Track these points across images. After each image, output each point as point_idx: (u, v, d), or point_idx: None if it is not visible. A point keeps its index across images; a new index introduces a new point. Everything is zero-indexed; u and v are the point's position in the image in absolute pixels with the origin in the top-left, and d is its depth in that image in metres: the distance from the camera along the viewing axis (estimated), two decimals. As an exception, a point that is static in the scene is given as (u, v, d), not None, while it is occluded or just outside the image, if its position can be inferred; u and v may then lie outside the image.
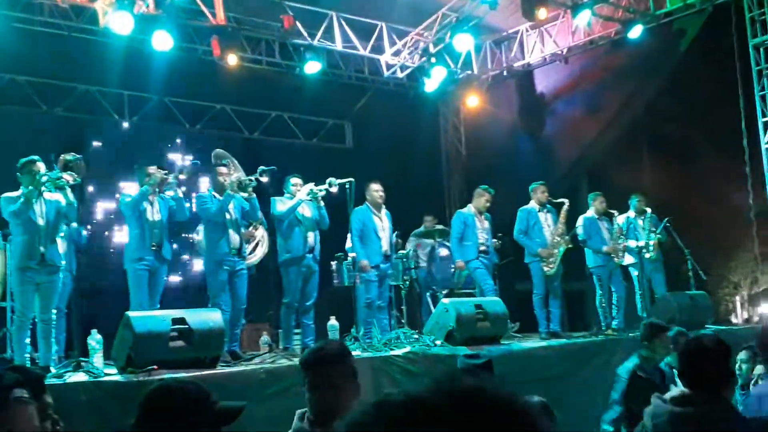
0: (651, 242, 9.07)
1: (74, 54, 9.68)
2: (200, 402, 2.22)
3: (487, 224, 8.60)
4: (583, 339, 8.18)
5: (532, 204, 8.58)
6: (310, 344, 6.94)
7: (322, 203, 7.48)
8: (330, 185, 7.49)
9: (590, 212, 9.06)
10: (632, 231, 9.13)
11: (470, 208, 8.58)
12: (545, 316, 8.39)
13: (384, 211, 8.02)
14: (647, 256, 9.03)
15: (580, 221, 8.95)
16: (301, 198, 7.37)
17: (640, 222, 9.21)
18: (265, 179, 7.23)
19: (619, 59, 11.49)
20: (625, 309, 8.93)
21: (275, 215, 7.46)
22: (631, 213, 9.28)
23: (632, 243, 9.06)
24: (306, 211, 7.46)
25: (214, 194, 7.12)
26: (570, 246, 8.58)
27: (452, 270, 9.00)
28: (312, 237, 7.48)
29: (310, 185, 7.49)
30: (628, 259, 9.19)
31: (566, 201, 8.64)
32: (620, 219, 9.04)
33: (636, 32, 10.69)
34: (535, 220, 8.51)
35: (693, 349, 3.17)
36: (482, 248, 8.46)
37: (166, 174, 6.97)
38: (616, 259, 8.92)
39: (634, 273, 9.25)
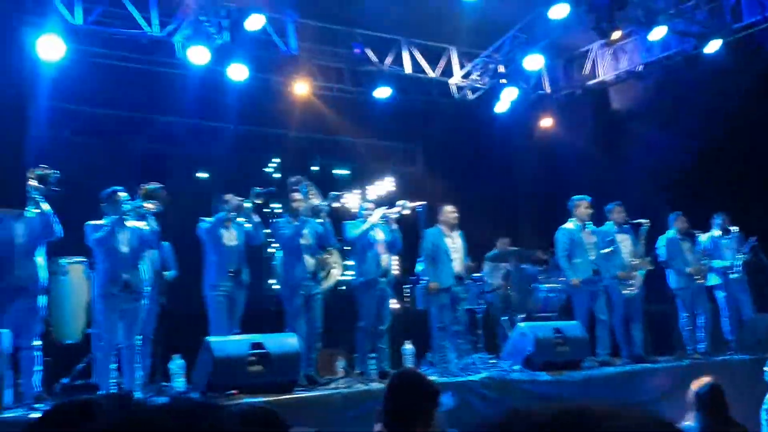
0: (737, 262, 8.76)
1: (152, 86, 10.00)
2: (272, 426, 2.25)
3: (594, 238, 8.31)
4: (668, 363, 7.93)
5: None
6: (386, 368, 6.97)
7: (394, 226, 7.51)
8: (402, 208, 7.53)
9: (672, 232, 8.83)
10: (717, 251, 8.84)
11: (574, 222, 8.34)
12: (627, 340, 8.18)
13: (457, 232, 8.00)
14: (732, 276, 8.73)
15: (661, 242, 8.72)
16: (373, 222, 7.42)
17: (725, 241, 8.92)
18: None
19: (698, 74, 11.21)
20: (711, 332, 8.64)
21: (348, 239, 7.53)
22: (716, 232, 8.99)
23: (717, 263, 8.77)
24: (379, 234, 7.50)
25: (289, 219, 7.23)
26: (651, 267, 8.36)
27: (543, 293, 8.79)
28: (385, 260, 7.51)
29: (383, 209, 7.54)
30: (712, 280, 8.89)
31: (647, 221, 8.43)
32: (703, 238, 8.78)
33: (713, 47, 10.44)
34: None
35: None
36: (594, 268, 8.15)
37: (241, 200, 7.13)
38: (699, 280, 8.65)
39: (720, 294, 8.94)
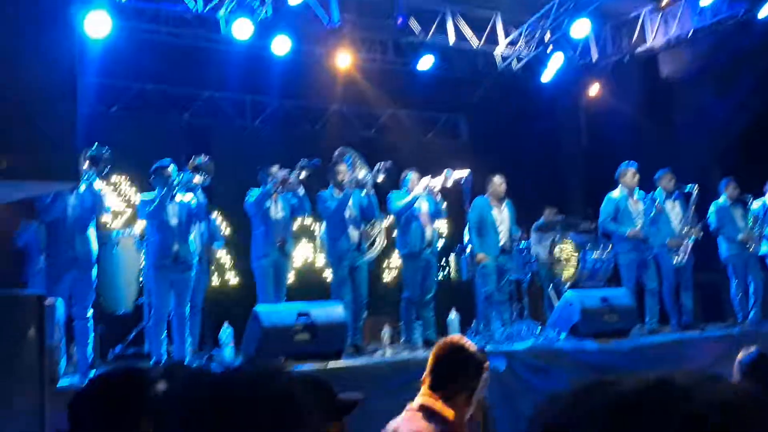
0: None
1: (197, 61, 10.11)
2: (321, 392, 2.30)
3: (641, 206, 8.20)
4: (718, 332, 7.82)
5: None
6: (432, 337, 7.01)
7: (439, 197, 7.50)
8: (446, 179, 7.52)
9: (722, 199, 8.65)
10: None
11: (621, 190, 8.24)
12: (677, 309, 8.08)
13: (505, 203, 7.97)
14: None
15: (712, 209, 8.56)
16: (417, 193, 7.43)
17: None
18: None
19: (750, 39, 10.91)
20: (763, 300, 8.49)
21: (393, 211, 7.55)
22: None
23: None
24: (423, 205, 7.51)
25: (334, 192, 7.28)
26: (701, 235, 8.22)
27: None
28: (430, 231, 7.53)
29: (427, 179, 7.54)
30: (766, 247, 8.69)
31: (695, 186, 8.27)
32: (755, 205, 8.58)
33: (766, 11, 10.15)
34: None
35: None
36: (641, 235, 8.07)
37: (287, 172, 7.20)
38: (751, 248, 8.47)
39: None
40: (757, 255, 8.60)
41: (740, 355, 4.35)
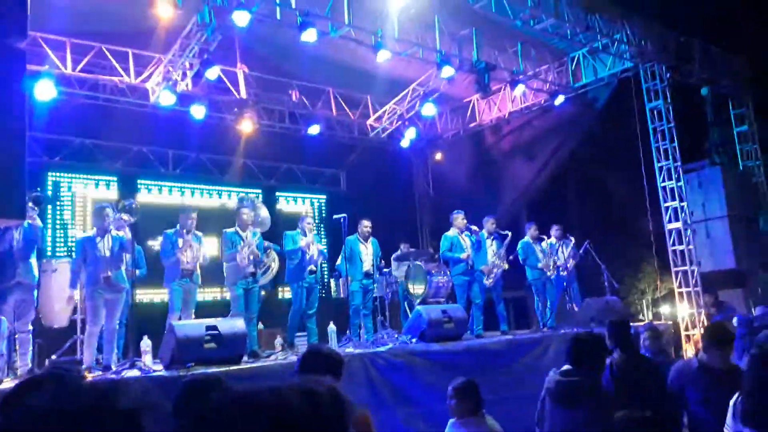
0: (568, 263, 9.10)
1: (131, 122, 9.74)
2: (216, 388, 2.28)
3: (468, 241, 8.32)
4: (527, 335, 8.17)
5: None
6: (314, 343, 6.95)
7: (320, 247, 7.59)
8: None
9: (527, 238, 9.08)
10: (555, 252, 9.14)
11: (453, 231, 8.39)
12: (497, 318, 8.38)
13: (371, 240, 8.05)
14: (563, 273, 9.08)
15: (519, 245, 8.97)
16: (303, 244, 7.34)
17: (559, 245, 9.23)
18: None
19: (549, 120, 11.68)
20: (557, 312, 8.97)
21: (285, 252, 7.46)
22: (553, 239, 9.27)
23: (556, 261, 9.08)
24: (314, 250, 7.49)
25: (237, 231, 7.01)
26: (507, 267, 8.62)
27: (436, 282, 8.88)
28: (313, 266, 7.53)
29: (311, 236, 7.47)
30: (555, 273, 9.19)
31: (509, 233, 8.65)
32: (545, 242, 9.07)
33: (559, 100, 10.92)
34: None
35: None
36: (470, 262, 8.23)
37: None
38: (549, 273, 8.96)
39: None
40: (552, 279, 9.08)
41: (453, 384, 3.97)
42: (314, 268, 7.32)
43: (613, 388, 4.19)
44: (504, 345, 7.33)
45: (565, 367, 3.69)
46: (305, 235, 7.39)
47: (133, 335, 6.43)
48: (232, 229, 7.02)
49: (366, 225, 7.95)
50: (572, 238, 9.23)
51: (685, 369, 3.93)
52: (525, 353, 7.36)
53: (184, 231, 6.74)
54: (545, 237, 9.03)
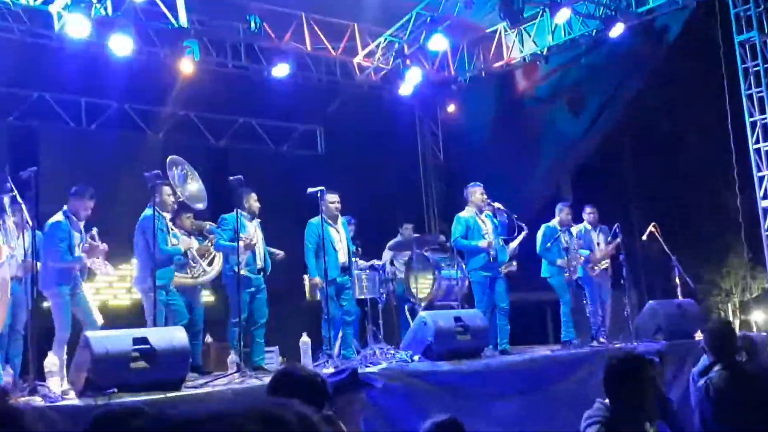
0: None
1: (28, 59, 9.63)
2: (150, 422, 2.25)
3: (490, 224, 8.38)
4: (567, 353, 8.21)
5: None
6: (261, 363, 7.02)
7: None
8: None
9: (554, 222, 9.04)
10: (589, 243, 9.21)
11: (469, 211, 8.42)
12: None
13: (340, 221, 8.01)
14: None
15: (542, 230, 9.00)
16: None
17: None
18: None
19: (601, 58, 11.64)
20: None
21: (218, 247, 7.48)
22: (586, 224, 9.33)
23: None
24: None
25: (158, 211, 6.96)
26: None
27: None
28: (260, 255, 7.57)
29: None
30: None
31: (525, 228, 8.70)
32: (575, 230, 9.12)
33: (617, 31, 10.83)
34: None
35: None
36: (492, 253, 8.29)
37: None
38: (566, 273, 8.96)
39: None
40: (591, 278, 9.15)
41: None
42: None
43: (711, 415, 4.24)
44: (540, 362, 7.38)
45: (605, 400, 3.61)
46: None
47: (35, 350, 6.40)
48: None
49: (333, 200, 7.84)
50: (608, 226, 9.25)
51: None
52: (565, 377, 7.40)
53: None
54: (573, 224, 9.05)
